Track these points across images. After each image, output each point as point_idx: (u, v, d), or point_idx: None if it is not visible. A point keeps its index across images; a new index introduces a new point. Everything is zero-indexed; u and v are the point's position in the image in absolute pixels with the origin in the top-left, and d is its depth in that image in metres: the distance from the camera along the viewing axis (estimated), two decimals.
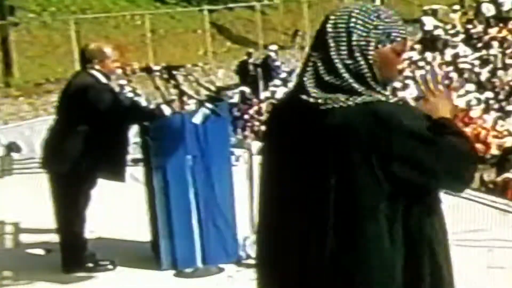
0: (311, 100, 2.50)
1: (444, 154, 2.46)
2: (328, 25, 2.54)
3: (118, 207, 7.32)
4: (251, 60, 22.70)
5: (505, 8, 24.20)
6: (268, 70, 22.45)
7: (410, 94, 17.89)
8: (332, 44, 2.52)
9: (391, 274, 2.48)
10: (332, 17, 2.56)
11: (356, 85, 2.48)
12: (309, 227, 2.50)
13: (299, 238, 2.52)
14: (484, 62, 19.93)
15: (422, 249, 2.53)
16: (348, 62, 2.50)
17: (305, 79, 2.54)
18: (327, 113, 2.46)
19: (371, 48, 2.51)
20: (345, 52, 2.51)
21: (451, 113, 2.67)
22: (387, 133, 2.42)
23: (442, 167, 2.47)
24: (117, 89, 6.09)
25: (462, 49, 21.75)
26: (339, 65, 2.50)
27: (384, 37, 2.53)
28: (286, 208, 2.57)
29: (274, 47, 23.37)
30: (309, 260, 2.50)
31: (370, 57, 2.51)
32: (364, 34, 2.51)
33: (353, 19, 2.52)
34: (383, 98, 2.50)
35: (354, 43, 2.51)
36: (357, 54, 2.51)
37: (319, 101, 2.48)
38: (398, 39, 2.56)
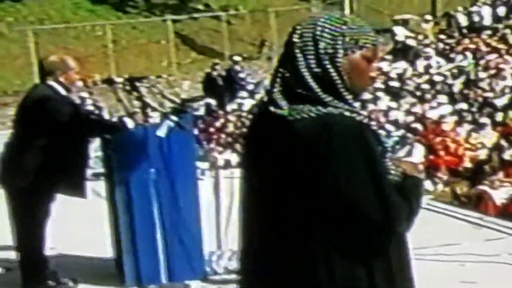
0: (279, 112, 2.49)
1: (381, 196, 2.42)
2: (295, 36, 2.53)
3: (80, 223, 7.21)
4: (215, 72, 22.56)
5: (477, 19, 24.42)
6: (232, 82, 22.34)
7: (380, 106, 17.92)
8: (299, 55, 2.51)
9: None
10: (298, 27, 2.55)
11: (322, 95, 2.47)
12: (271, 235, 2.53)
13: (264, 246, 2.55)
14: (457, 73, 20.03)
15: (377, 264, 2.50)
16: (317, 70, 2.49)
17: (274, 90, 2.54)
18: (290, 124, 2.46)
19: (339, 55, 2.50)
20: (313, 61, 2.49)
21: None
22: (334, 152, 2.41)
23: (360, 204, 2.42)
24: (78, 101, 5.95)
25: (435, 59, 21.83)
26: (307, 75, 2.49)
27: (352, 44, 2.51)
28: (256, 218, 2.59)
29: (238, 58, 23.27)
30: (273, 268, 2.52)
31: (339, 64, 2.50)
32: (331, 42, 2.49)
33: (319, 28, 2.51)
34: (347, 113, 2.46)
35: (322, 51, 2.49)
36: (326, 62, 2.49)
37: (286, 112, 2.48)
38: (368, 45, 2.54)
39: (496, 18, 24.12)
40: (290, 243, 2.48)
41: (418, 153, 13.64)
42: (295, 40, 2.53)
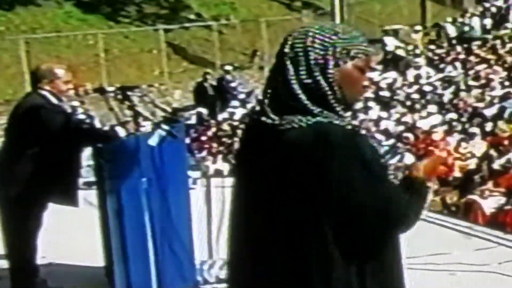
0: (269, 121, 2.50)
1: (380, 195, 2.44)
2: (286, 46, 2.54)
3: (72, 231, 7.18)
4: (206, 82, 22.55)
5: (467, 29, 24.53)
6: (224, 91, 22.35)
7: (371, 116, 17.95)
8: (290, 66, 2.51)
9: None
10: (289, 38, 2.55)
11: (312, 107, 2.47)
12: (264, 244, 2.53)
13: (258, 252, 2.55)
14: (447, 83, 20.11)
15: (371, 267, 2.52)
16: (307, 81, 2.49)
17: (265, 101, 2.55)
18: (281, 133, 2.46)
19: (330, 66, 2.49)
20: (304, 72, 2.49)
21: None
22: (331, 158, 2.41)
23: (371, 207, 2.43)
24: (69, 110, 5.93)
25: (425, 70, 21.91)
26: (296, 86, 2.49)
27: (344, 54, 2.51)
28: (248, 227, 2.59)
29: (229, 67, 23.28)
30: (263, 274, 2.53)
31: (330, 75, 2.49)
32: (322, 52, 2.49)
33: (310, 38, 2.50)
34: (337, 121, 2.47)
35: (313, 62, 2.49)
36: (316, 74, 2.49)
37: (276, 122, 2.48)
38: (360, 55, 2.53)
39: (486, 29, 24.26)
40: (286, 248, 2.49)
41: (408, 163, 13.67)
42: (286, 50, 2.53)
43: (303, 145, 2.43)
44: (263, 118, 2.53)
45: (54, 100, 5.74)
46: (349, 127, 2.49)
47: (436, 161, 2.77)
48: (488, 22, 24.60)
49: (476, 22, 24.66)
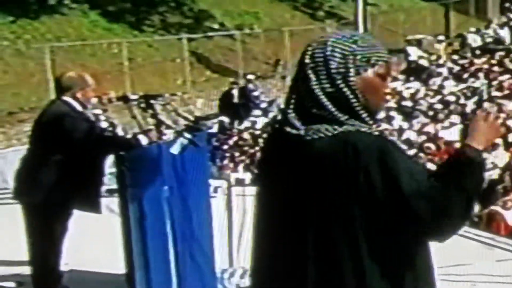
0: (294, 131, 2.50)
1: (420, 196, 2.43)
2: (306, 56, 2.55)
3: (93, 238, 7.21)
4: (234, 91, 22.55)
5: (490, 39, 24.43)
6: (246, 100, 22.36)
7: (393, 125, 17.88)
8: (312, 75, 2.51)
9: None
10: (309, 48, 2.56)
11: (338, 114, 2.47)
12: (293, 254, 2.52)
13: (286, 263, 2.54)
14: (470, 93, 19.99)
15: (407, 285, 2.51)
16: (330, 90, 2.49)
17: (289, 111, 2.55)
18: (308, 144, 2.46)
19: (351, 74, 2.50)
20: (326, 81, 2.50)
21: (487, 142, 2.60)
22: (362, 166, 2.41)
23: (413, 208, 2.43)
24: (92, 118, 5.98)
25: (448, 80, 21.81)
26: (320, 95, 2.49)
27: (364, 62, 2.52)
28: (274, 237, 2.58)
29: (252, 76, 23.31)
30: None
31: (352, 83, 2.50)
32: (343, 61, 2.50)
33: (330, 48, 2.51)
34: (364, 129, 2.47)
35: (334, 71, 2.50)
36: (339, 82, 2.49)
37: (301, 132, 2.48)
38: (379, 62, 2.54)
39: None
40: (319, 256, 2.49)
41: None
42: (307, 61, 2.55)
43: (333, 155, 2.43)
44: (288, 128, 2.53)
45: (79, 107, 5.79)
46: (376, 133, 2.50)
47: (491, 125, 2.64)
48: (504, 33, 24.51)
49: (500, 32, 24.58)
